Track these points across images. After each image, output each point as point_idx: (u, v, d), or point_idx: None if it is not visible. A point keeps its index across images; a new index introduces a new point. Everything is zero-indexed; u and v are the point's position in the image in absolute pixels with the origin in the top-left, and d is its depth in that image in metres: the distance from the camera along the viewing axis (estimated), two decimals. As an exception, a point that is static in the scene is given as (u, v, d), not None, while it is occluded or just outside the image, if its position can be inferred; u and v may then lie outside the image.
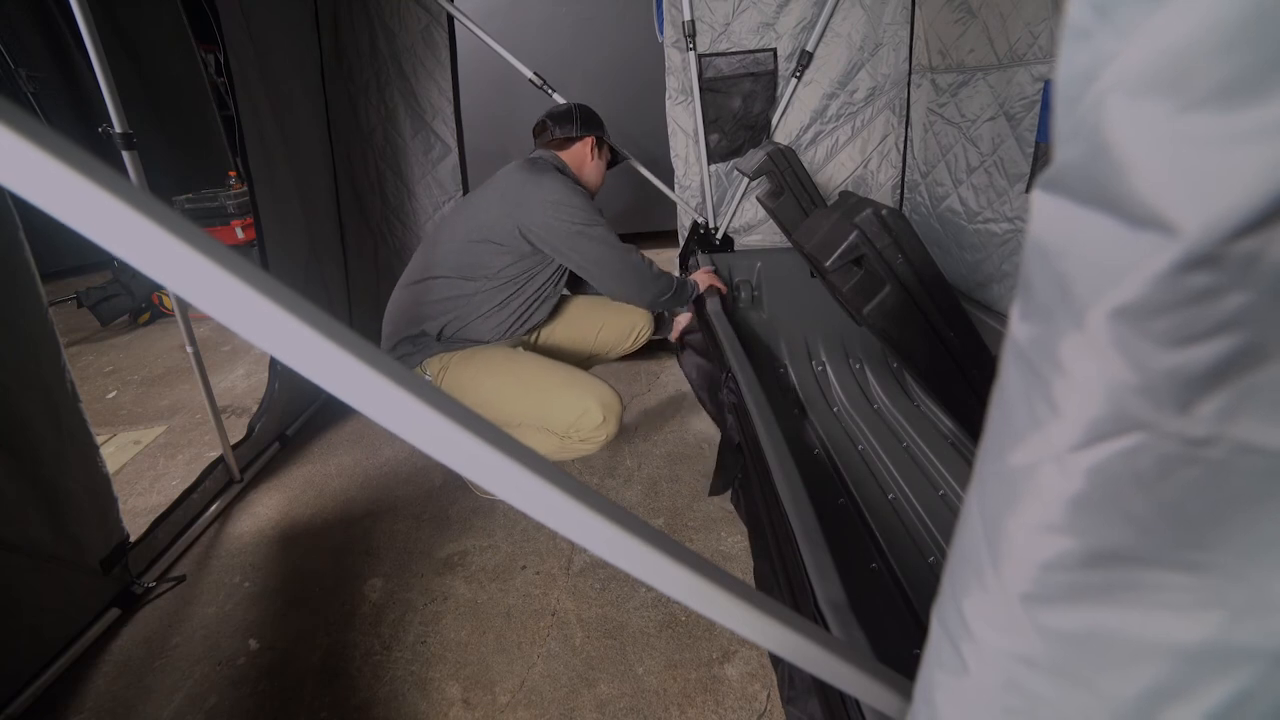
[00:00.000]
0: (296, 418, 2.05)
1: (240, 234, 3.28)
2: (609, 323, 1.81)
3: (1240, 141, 0.14)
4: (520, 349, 1.64)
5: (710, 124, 2.07)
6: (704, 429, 1.92)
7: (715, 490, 1.46)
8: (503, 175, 1.58)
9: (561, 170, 1.61)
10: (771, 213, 1.82)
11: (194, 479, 1.64)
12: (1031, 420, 0.22)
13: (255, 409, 1.93)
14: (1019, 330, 0.22)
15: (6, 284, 1.10)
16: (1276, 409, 0.17)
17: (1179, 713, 0.23)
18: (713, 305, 1.74)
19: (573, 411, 1.44)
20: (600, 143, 1.68)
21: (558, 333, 1.81)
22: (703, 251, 2.16)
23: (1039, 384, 0.21)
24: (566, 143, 1.65)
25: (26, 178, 0.19)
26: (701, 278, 1.81)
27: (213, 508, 1.65)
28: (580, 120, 1.64)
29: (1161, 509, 0.20)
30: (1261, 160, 0.14)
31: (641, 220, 3.82)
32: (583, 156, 1.66)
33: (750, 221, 2.22)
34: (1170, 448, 0.18)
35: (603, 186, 1.77)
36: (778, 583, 0.91)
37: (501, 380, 1.52)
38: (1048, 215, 0.20)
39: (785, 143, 2.00)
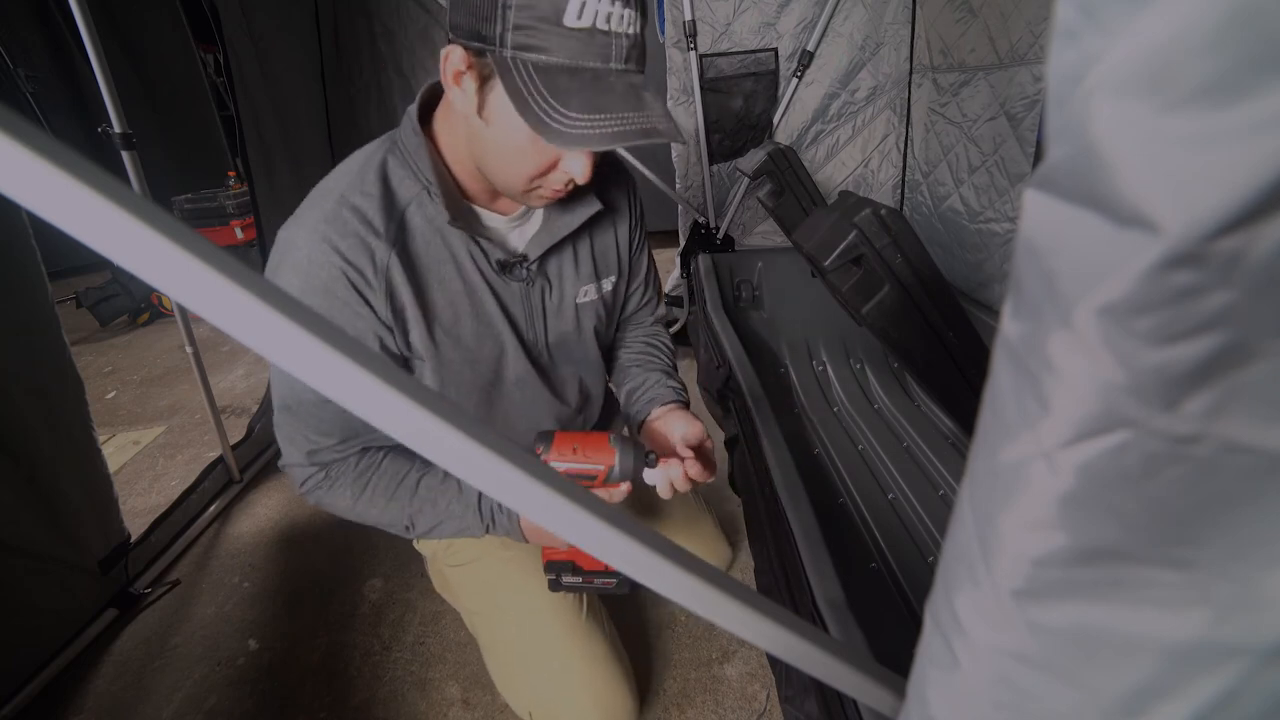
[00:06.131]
0: (297, 417, 2.05)
1: (240, 234, 3.28)
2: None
3: (1220, 141, 0.14)
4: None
5: (712, 124, 2.07)
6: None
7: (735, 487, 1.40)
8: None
9: (393, 170, 0.79)
10: (772, 213, 1.82)
11: (193, 479, 1.65)
12: (1022, 417, 0.22)
13: (255, 409, 1.93)
14: (1010, 328, 0.23)
15: (17, 287, 1.10)
16: (1261, 407, 0.17)
17: (1167, 709, 0.23)
18: (713, 304, 1.74)
19: (553, 706, 0.91)
20: (490, 62, 0.62)
21: None
22: (703, 251, 2.17)
23: (1029, 381, 0.21)
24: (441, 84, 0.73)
25: (19, 182, 0.20)
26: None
27: (212, 508, 1.65)
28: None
29: (1149, 506, 0.20)
30: (1241, 160, 0.14)
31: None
32: (450, 113, 0.77)
33: (751, 221, 2.22)
34: (1157, 445, 0.19)
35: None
36: (777, 583, 0.91)
37: (491, 614, 0.97)
38: (1038, 213, 0.20)
39: (786, 142, 2.01)
